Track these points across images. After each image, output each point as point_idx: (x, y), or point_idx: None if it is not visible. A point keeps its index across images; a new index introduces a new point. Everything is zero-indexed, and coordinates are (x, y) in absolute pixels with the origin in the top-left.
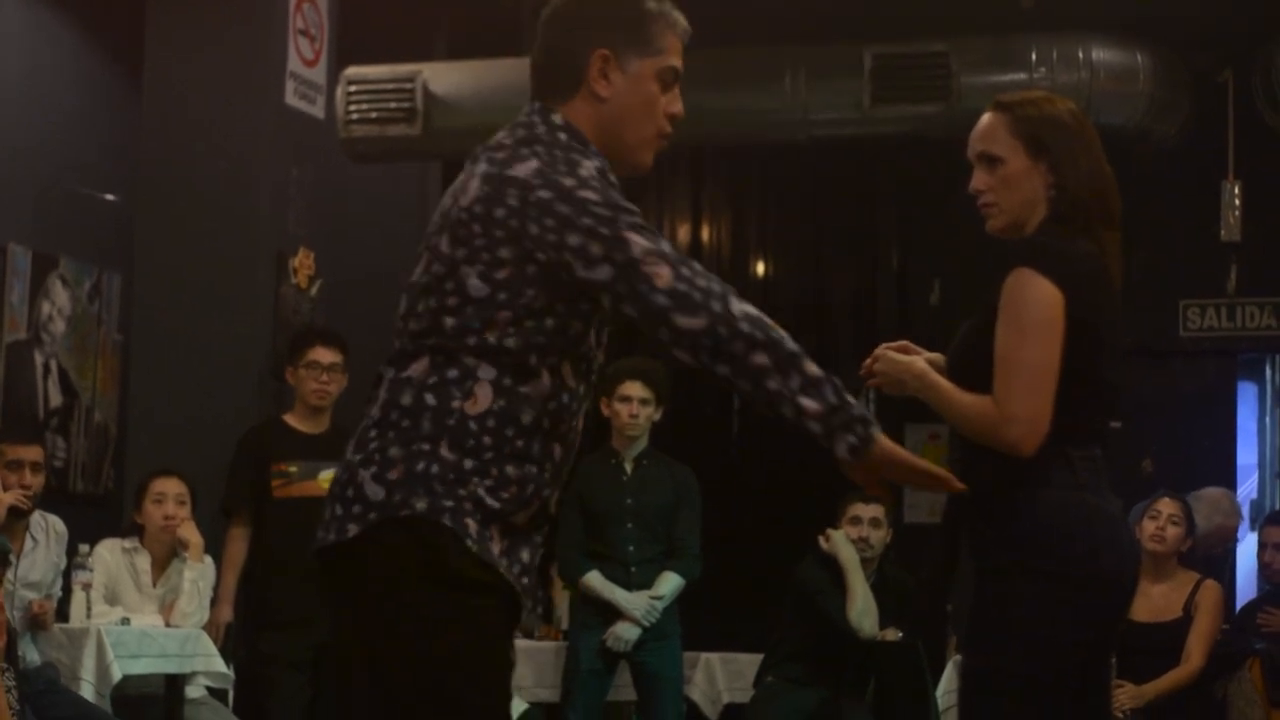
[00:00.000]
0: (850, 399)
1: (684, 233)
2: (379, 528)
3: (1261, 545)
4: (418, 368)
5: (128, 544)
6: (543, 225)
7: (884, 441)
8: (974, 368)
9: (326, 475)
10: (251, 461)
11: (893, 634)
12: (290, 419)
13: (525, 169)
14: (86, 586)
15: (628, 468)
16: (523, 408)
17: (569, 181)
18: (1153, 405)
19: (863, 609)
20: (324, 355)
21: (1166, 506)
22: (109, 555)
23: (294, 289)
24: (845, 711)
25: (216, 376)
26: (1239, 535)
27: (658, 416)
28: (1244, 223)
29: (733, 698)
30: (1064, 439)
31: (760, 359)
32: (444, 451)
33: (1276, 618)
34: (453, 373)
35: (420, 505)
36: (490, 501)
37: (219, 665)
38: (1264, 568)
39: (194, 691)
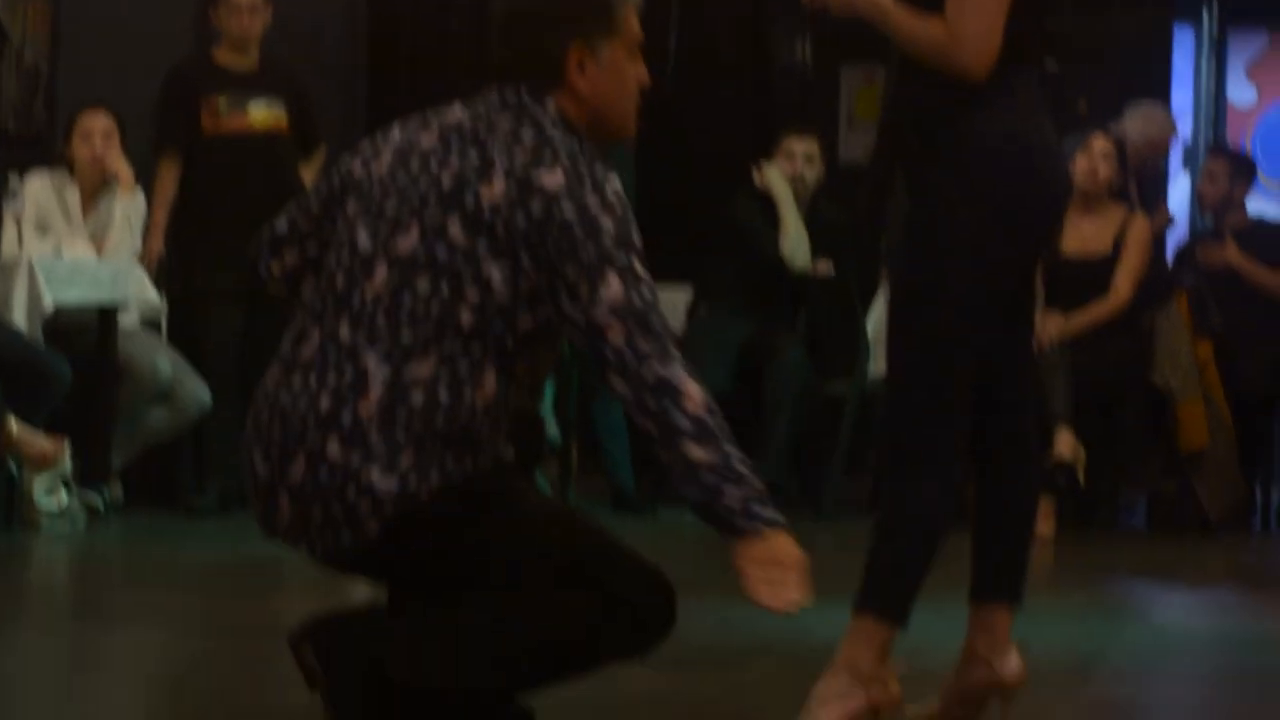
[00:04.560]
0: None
1: None
2: (401, 513)
3: (1207, 174)
4: (424, 369)
5: (57, 177)
6: (559, 248)
7: None
8: None
9: (256, 109)
10: (179, 97)
11: (825, 267)
12: (218, 54)
13: (553, 181)
14: (18, 217)
15: None
16: (507, 401)
17: (592, 199)
18: (1089, 49)
19: (795, 241)
20: None
21: (1099, 143)
22: (39, 187)
23: None
24: (776, 343)
25: (146, 14)
26: (1170, 169)
27: None
28: None
29: None
30: (1006, 59)
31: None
32: (455, 436)
33: (1216, 252)
34: (463, 366)
35: (435, 479)
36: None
37: (151, 295)
38: (1200, 198)
39: (127, 322)
